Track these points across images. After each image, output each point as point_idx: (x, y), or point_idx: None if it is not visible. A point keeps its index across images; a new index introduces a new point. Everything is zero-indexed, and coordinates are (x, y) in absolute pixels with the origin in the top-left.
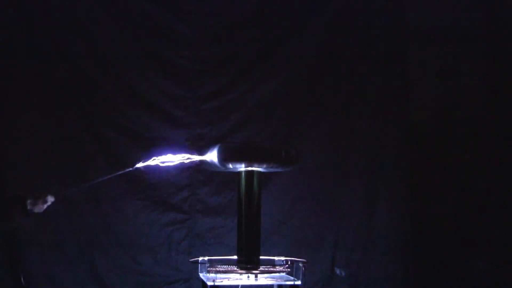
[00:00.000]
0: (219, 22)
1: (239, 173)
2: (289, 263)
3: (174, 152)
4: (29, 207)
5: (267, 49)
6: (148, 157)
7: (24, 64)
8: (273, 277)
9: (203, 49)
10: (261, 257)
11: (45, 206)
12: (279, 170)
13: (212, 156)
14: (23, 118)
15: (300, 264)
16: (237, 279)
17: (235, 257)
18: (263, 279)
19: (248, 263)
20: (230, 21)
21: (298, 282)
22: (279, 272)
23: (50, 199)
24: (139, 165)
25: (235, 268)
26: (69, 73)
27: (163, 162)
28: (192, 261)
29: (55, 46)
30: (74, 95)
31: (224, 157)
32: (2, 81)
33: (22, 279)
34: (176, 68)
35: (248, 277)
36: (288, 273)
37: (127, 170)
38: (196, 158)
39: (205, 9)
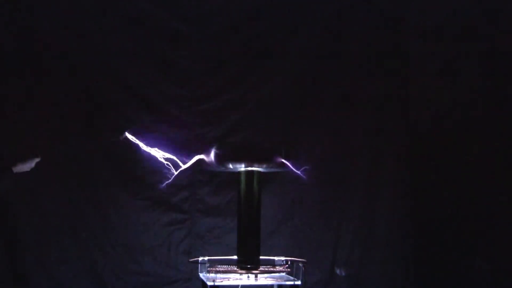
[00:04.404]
0: (219, 22)
1: (239, 173)
2: (289, 263)
3: (174, 152)
4: (15, 170)
5: (266, 49)
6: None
7: (25, 63)
8: (273, 277)
9: (203, 49)
10: (261, 257)
11: (30, 166)
12: (279, 170)
13: (211, 156)
14: (23, 117)
15: (300, 264)
16: (237, 279)
17: (235, 257)
18: (263, 279)
19: (248, 263)
20: (230, 21)
21: (298, 282)
22: (279, 272)
23: (36, 159)
24: None
25: (235, 268)
26: (68, 73)
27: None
28: (192, 261)
29: (55, 46)
30: (74, 95)
31: (224, 157)
32: (2, 80)
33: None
34: (176, 68)
35: (248, 277)
36: (288, 273)
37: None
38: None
39: (205, 9)
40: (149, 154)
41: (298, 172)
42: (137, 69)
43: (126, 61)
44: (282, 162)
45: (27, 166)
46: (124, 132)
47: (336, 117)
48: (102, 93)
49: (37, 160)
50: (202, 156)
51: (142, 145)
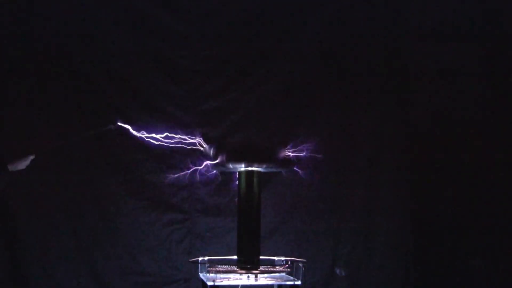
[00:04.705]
0: (219, 22)
1: (239, 173)
2: (289, 263)
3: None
4: (11, 168)
5: (267, 49)
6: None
7: (25, 64)
8: (273, 277)
9: (203, 49)
10: (261, 257)
11: (25, 164)
12: (279, 170)
13: (211, 156)
14: (23, 117)
15: (300, 264)
16: (237, 279)
17: (235, 257)
18: (263, 279)
19: (248, 263)
20: (230, 21)
21: (298, 282)
22: (279, 272)
23: (30, 157)
24: None
25: (235, 268)
26: (69, 72)
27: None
28: (192, 261)
29: (55, 46)
30: (74, 95)
31: (224, 157)
32: (3, 80)
33: None
34: (176, 68)
35: (248, 277)
36: (288, 273)
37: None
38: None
39: (205, 9)
40: (149, 154)
41: (298, 171)
42: (137, 69)
43: (126, 61)
44: (285, 157)
45: (22, 164)
46: (116, 121)
47: (336, 117)
48: (101, 93)
49: (31, 158)
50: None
51: (142, 145)
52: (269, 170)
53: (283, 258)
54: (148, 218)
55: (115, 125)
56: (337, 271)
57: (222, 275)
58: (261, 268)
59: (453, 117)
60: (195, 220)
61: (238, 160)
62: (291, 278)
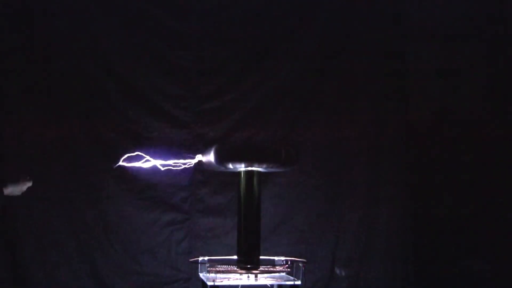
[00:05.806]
0: (219, 22)
1: (239, 173)
2: (289, 263)
3: (173, 151)
4: (6, 193)
5: (267, 49)
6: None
7: (24, 63)
8: (273, 277)
9: (203, 49)
10: (261, 257)
11: (21, 189)
12: (279, 170)
13: (211, 156)
14: (23, 117)
15: (300, 264)
16: (237, 279)
17: (235, 257)
18: (263, 279)
19: (248, 263)
20: (230, 21)
21: (298, 282)
22: (279, 272)
23: (28, 183)
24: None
25: (235, 268)
26: (68, 72)
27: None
28: (192, 261)
29: (55, 46)
30: (74, 95)
31: (224, 157)
32: (3, 80)
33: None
34: (176, 68)
35: (248, 277)
36: (288, 273)
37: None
38: (193, 161)
39: (205, 9)
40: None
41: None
42: (137, 69)
43: (126, 60)
44: (286, 156)
45: (19, 189)
46: (119, 160)
47: (336, 117)
48: (101, 93)
49: (29, 184)
50: (200, 158)
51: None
52: (269, 170)
53: (283, 258)
54: (148, 218)
55: (116, 164)
56: (337, 271)
57: (222, 275)
58: (261, 268)
59: (453, 117)
60: (195, 220)
61: (238, 160)
62: (291, 278)
